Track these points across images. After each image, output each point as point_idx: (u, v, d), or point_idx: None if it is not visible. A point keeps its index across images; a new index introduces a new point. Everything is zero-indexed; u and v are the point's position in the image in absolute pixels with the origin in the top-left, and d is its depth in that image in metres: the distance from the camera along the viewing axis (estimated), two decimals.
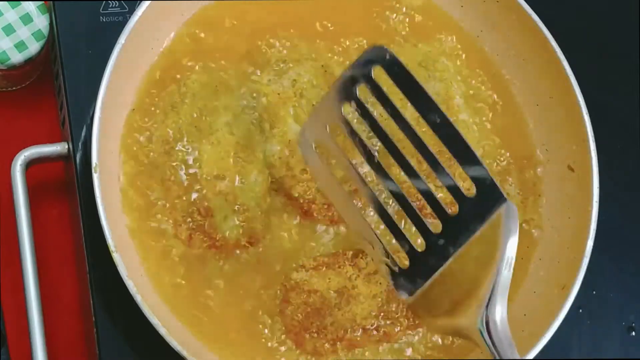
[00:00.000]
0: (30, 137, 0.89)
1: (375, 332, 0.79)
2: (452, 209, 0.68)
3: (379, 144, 0.71)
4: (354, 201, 0.78)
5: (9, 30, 0.87)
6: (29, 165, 0.85)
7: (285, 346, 0.79)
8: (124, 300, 0.74)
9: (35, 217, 0.85)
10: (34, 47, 0.87)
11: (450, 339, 0.82)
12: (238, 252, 0.80)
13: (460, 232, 0.68)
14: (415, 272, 0.72)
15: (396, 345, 0.81)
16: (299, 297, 0.78)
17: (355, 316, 0.78)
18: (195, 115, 0.81)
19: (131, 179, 0.80)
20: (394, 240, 0.73)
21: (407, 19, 0.90)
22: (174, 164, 0.80)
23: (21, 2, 0.88)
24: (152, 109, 0.82)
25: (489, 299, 0.64)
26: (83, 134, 0.83)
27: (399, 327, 0.79)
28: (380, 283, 0.79)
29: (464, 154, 0.67)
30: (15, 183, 0.83)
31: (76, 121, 0.84)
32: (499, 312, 0.64)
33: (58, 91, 0.89)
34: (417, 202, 0.73)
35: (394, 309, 0.79)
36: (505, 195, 0.66)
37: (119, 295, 0.75)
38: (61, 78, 0.85)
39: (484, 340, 0.64)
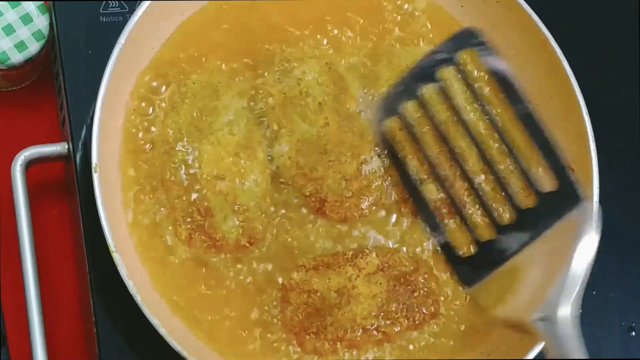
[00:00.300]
0: (30, 137, 0.89)
1: (375, 332, 0.79)
2: (527, 202, 0.67)
3: (459, 129, 0.71)
4: (424, 186, 0.78)
5: (9, 30, 0.87)
6: (29, 165, 0.85)
7: (285, 346, 0.79)
8: (124, 300, 0.74)
9: (35, 217, 0.85)
10: (34, 47, 0.87)
11: (449, 339, 0.82)
12: (238, 252, 0.80)
13: (532, 227, 0.68)
14: (480, 263, 0.71)
15: (396, 346, 0.81)
16: (299, 297, 0.78)
17: (355, 316, 0.78)
18: (195, 115, 0.81)
19: (131, 179, 0.80)
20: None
21: (410, 18, 0.89)
22: (174, 164, 0.80)
23: (21, 2, 0.88)
24: (152, 109, 0.82)
25: (558, 297, 0.63)
26: (83, 134, 0.83)
27: (399, 327, 0.79)
28: (380, 283, 0.80)
29: (548, 148, 0.66)
30: (15, 183, 0.83)
31: (76, 121, 0.84)
32: (566, 311, 0.63)
33: (58, 91, 0.89)
34: (491, 192, 0.72)
35: (393, 309, 0.79)
36: (583, 195, 0.65)
37: (119, 295, 0.75)
38: (61, 78, 0.85)
39: (549, 338, 0.63)
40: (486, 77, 0.68)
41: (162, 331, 0.73)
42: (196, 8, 0.85)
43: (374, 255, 0.80)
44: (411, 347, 0.81)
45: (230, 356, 0.78)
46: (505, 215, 0.68)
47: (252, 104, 0.83)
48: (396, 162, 0.79)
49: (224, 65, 0.84)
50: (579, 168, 0.84)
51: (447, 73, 0.71)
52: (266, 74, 0.84)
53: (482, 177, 0.71)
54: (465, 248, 0.72)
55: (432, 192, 0.78)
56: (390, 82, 0.83)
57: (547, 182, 0.66)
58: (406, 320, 0.80)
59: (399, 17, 0.90)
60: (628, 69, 0.98)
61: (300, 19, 0.87)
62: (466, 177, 0.71)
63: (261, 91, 0.84)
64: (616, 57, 0.98)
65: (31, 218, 0.84)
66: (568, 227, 0.65)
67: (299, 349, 0.79)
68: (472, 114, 0.70)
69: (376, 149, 0.83)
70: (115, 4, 0.88)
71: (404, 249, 0.83)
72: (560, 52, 0.86)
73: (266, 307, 0.80)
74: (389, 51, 0.86)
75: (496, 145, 0.69)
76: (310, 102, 0.83)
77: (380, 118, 0.78)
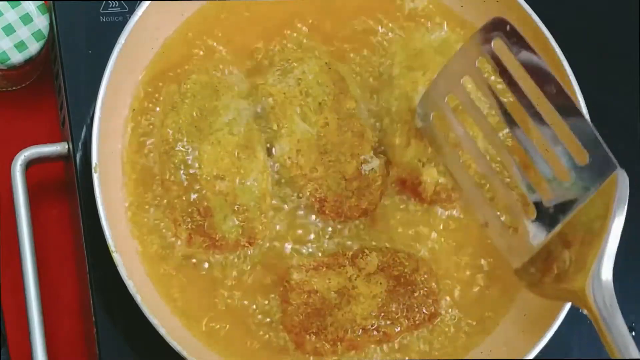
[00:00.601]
0: (30, 137, 0.89)
1: (375, 333, 0.79)
2: (563, 176, 0.71)
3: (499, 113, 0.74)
4: (470, 171, 0.80)
5: (9, 30, 0.87)
6: (29, 165, 0.85)
7: (285, 346, 0.79)
8: (124, 300, 0.74)
9: (35, 217, 0.85)
10: (34, 47, 0.87)
11: (448, 339, 0.82)
12: (238, 252, 0.80)
13: (569, 203, 0.71)
14: (524, 242, 0.74)
15: (396, 345, 0.81)
16: (299, 298, 0.78)
17: (356, 316, 0.78)
18: (195, 115, 0.81)
19: (131, 179, 0.80)
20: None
21: (409, 16, 0.90)
22: (174, 164, 0.80)
23: (21, 2, 0.88)
24: (152, 109, 0.82)
25: (600, 264, 0.67)
26: (83, 134, 0.83)
27: (399, 327, 0.79)
28: (380, 283, 0.80)
29: (580, 125, 0.69)
30: (15, 183, 0.83)
31: (76, 121, 0.84)
32: (608, 276, 0.67)
33: (58, 91, 0.89)
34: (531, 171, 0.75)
35: (394, 309, 0.79)
36: (617, 164, 0.68)
37: (119, 295, 0.75)
38: (61, 78, 0.85)
39: (592, 304, 0.67)
40: (517, 63, 0.70)
41: (162, 331, 0.73)
42: (196, 8, 0.86)
43: (374, 255, 0.80)
44: (411, 346, 0.81)
45: (230, 356, 0.78)
46: (546, 192, 0.71)
47: (252, 104, 0.83)
48: (441, 152, 0.81)
49: (224, 65, 0.84)
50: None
51: (481, 64, 0.74)
52: (266, 74, 0.84)
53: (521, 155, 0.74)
54: (512, 226, 0.75)
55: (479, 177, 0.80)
56: (402, 64, 0.85)
57: (580, 157, 0.69)
58: (406, 320, 0.80)
59: (399, 17, 0.90)
60: (628, 69, 0.98)
61: (299, 19, 0.87)
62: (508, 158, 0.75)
63: (261, 91, 0.84)
64: (616, 57, 0.98)
65: (31, 218, 0.84)
66: (602, 196, 0.69)
67: (298, 349, 0.79)
68: (509, 98, 0.73)
69: (375, 148, 0.84)
70: (115, 4, 0.88)
71: (404, 249, 0.83)
72: (560, 52, 0.86)
73: (266, 308, 0.80)
74: (386, 47, 0.87)
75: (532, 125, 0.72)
76: (310, 102, 0.83)
77: (425, 114, 0.80)
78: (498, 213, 0.77)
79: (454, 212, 0.85)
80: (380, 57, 0.87)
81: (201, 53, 0.85)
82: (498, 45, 0.72)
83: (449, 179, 0.82)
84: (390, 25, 0.89)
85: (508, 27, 0.71)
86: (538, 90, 0.70)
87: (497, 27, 0.72)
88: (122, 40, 0.79)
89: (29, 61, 0.88)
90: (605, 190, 0.69)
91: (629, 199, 0.70)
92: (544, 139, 0.71)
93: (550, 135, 0.71)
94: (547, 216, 0.72)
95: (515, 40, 0.71)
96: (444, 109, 0.78)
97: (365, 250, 0.81)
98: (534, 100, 0.71)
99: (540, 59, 0.70)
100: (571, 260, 0.71)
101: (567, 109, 0.70)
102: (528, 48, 0.70)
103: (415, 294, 0.80)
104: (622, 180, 0.68)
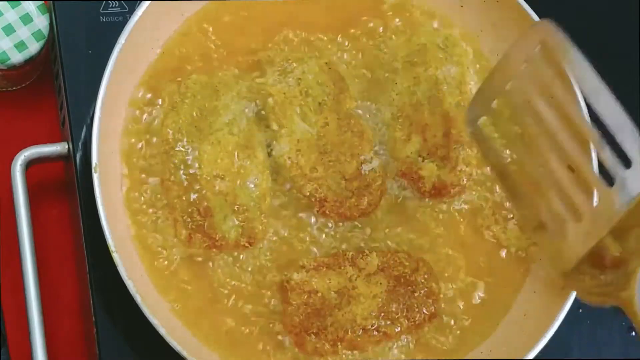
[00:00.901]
0: (30, 137, 0.89)
1: (375, 333, 0.79)
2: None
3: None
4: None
5: (9, 30, 0.87)
6: (29, 165, 0.84)
7: (285, 346, 0.79)
8: (124, 300, 0.74)
9: (35, 217, 0.85)
10: (34, 47, 0.87)
11: (449, 339, 0.82)
12: (238, 252, 0.80)
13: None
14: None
15: (396, 345, 0.81)
16: (299, 298, 0.78)
17: (356, 316, 0.78)
18: (195, 115, 0.81)
19: (131, 179, 0.80)
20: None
21: (408, 15, 0.90)
22: (174, 164, 0.80)
23: (21, 2, 0.88)
24: (152, 109, 0.82)
25: None
26: (83, 134, 0.83)
27: (399, 328, 0.79)
28: (380, 283, 0.80)
29: (630, 136, 0.70)
30: (15, 183, 0.83)
31: (76, 121, 0.84)
32: None
33: (58, 91, 0.89)
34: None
35: (394, 309, 0.79)
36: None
37: (119, 295, 0.75)
38: (61, 78, 0.85)
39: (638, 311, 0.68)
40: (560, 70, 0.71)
41: (162, 331, 0.73)
42: (196, 8, 0.85)
43: (374, 255, 0.80)
44: (411, 346, 0.81)
45: (230, 356, 0.78)
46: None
47: (252, 104, 0.83)
48: (489, 155, 0.81)
49: (224, 65, 0.84)
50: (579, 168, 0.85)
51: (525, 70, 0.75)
52: (266, 74, 0.84)
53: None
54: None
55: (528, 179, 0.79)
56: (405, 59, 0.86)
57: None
58: (406, 321, 0.80)
59: (398, 16, 0.90)
60: (628, 69, 0.98)
61: (299, 19, 0.87)
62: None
63: (261, 91, 0.84)
64: (616, 57, 0.98)
65: (31, 218, 0.83)
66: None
67: (299, 349, 0.79)
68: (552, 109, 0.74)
69: (376, 148, 0.84)
70: (115, 4, 0.88)
71: (404, 249, 0.83)
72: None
73: (266, 308, 0.80)
74: (384, 42, 0.87)
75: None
76: (310, 102, 0.83)
77: (474, 117, 0.80)
78: (559, 207, 0.75)
79: (454, 212, 0.85)
80: (384, 53, 0.87)
81: (201, 53, 0.84)
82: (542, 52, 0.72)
83: (448, 175, 0.82)
84: (392, 22, 0.88)
85: (555, 34, 0.72)
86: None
87: (544, 33, 0.72)
88: (122, 40, 0.79)
89: (29, 61, 0.88)
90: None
91: None
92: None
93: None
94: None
95: (564, 48, 0.72)
96: (494, 113, 0.78)
97: (366, 251, 0.81)
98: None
99: (592, 68, 0.71)
100: (621, 267, 0.72)
101: (619, 124, 0.70)
102: (580, 57, 0.71)
103: (416, 294, 0.80)
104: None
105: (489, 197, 0.85)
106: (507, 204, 0.85)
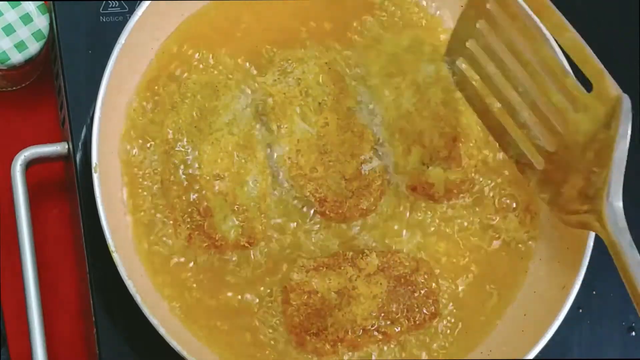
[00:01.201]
0: (30, 137, 0.89)
1: (375, 333, 0.79)
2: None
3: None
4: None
5: (9, 30, 0.87)
6: (29, 165, 0.85)
7: (285, 347, 0.79)
8: (124, 300, 0.74)
9: (35, 217, 0.85)
10: (34, 47, 0.87)
11: (449, 339, 0.82)
12: (238, 252, 0.80)
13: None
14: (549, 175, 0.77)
15: (396, 345, 0.81)
16: (299, 298, 0.78)
17: (356, 317, 0.78)
18: (195, 115, 0.81)
19: (131, 179, 0.80)
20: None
21: (407, 15, 0.90)
22: (174, 164, 0.80)
23: (21, 2, 0.88)
24: (152, 108, 0.82)
25: (612, 191, 0.69)
26: (83, 134, 0.83)
27: (399, 328, 0.79)
28: (380, 283, 0.80)
29: (585, 60, 0.72)
30: (15, 183, 0.83)
31: (76, 121, 0.84)
32: (619, 202, 0.69)
33: (58, 91, 0.89)
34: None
35: (394, 309, 0.79)
36: (617, 91, 0.70)
37: (119, 295, 0.75)
38: (61, 78, 0.85)
39: (607, 226, 0.69)
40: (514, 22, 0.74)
41: (162, 331, 0.73)
42: (196, 8, 0.85)
43: (374, 255, 0.80)
44: (411, 346, 0.81)
45: (230, 356, 0.78)
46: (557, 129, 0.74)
47: (252, 104, 0.83)
48: (471, 98, 0.82)
49: (224, 65, 0.84)
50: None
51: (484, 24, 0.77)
52: (266, 74, 0.84)
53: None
54: (537, 161, 0.77)
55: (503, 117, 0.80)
56: (381, 73, 0.86)
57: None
58: (406, 321, 0.80)
59: (397, 17, 0.90)
60: (628, 69, 0.98)
61: (299, 19, 0.87)
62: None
63: (261, 91, 0.84)
64: (616, 57, 0.98)
65: (31, 218, 0.84)
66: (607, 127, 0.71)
67: (299, 350, 0.79)
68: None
69: (376, 147, 0.84)
70: (115, 4, 0.88)
71: (404, 249, 0.83)
72: (561, 52, 0.85)
73: (266, 308, 0.80)
74: (381, 35, 0.87)
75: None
76: (310, 102, 0.83)
77: (451, 61, 0.81)
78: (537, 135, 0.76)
79: (454, 210, 0.85)
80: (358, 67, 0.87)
81: (201, 53, 0.84)
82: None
83: (456, 174, 0.82)
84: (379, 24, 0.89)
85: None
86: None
87: None
88: (122, 40, 0.79)
89: (29, 61, 0.88)
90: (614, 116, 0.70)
91: (629, 199, 0.70)
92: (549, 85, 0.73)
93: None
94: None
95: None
96: (471, 51, 0.79)
97: (366, 251, 0.81)
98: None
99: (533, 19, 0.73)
100: (590, 191, 0.72)
101: (578, 53, 0.72)
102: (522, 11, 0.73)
103: (416, 294, 0.80)
104: (624, 107, 0.69)
105: (490, 183, 0.85)
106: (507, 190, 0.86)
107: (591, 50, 0.72)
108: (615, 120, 0.69)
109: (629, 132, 0.69)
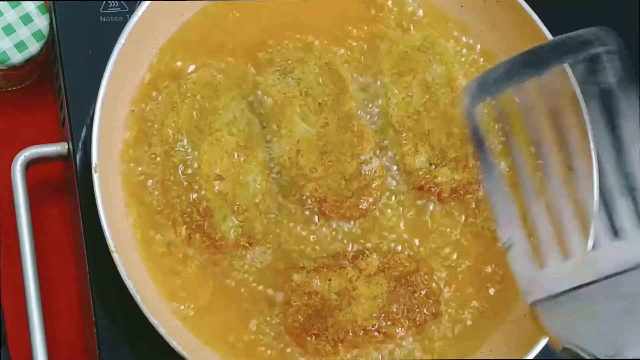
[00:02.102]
0: (30, 137, 0.89)
1: (376, 333, 0.79)
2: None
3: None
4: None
5: (9, 30, 0.87)
6: (29, 165, 0.84)
7: (286, 347, 0.79)
8: (124, 300, 0.74)
9: (35, 217, 0.85)
10: (34, 47, 0.87)
11: (449, 339, 0.82)
12: (237, 252, 0.80)
13: None
14: None
15: (396, 346, 0.81)
16: (299, 299, 0.78)
17: (356, 317, 0.78)
18: (195, 115, 0.81)
19: (131, 179, 0.80)
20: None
21: (408, 16, 0.90)
22: (174, 164, 0.80)
23: (21, 2, 0.88)
24: (152, 109, 0.82)
25: None
26: (83, 134, 0.83)
27: (400, 328, 0.79)
28: (380, 284, 0.80)
29: None
30: (15, 183, 0.83)
31: (76, 121, 0.84)
32: None
33: (58, 91, 0.89)
34: None
35: (394, 309, 0.79)
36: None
37: (119, 295, 0.75)
38: (61, 78, 0.85)
39: None
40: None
41: (162, 331, 0.73)
42: (196, 8, 0.85)
43: (374, 256, 0.80)
44: (411, 346, 0.81)
45: (230, 356, 0.78)
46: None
47: (252, 104, 0.83)
48: (478, 145, 0.76)
49: (223, 66, 0.84)
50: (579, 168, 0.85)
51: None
52: (266, 74, 0.84)
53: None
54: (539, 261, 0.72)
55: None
56: (392, 71, 0.85)
57: None
58: (407, 321, 0.80)
59: (397, 17, 0.90)
60: None
61: (299, 19, 0.87)
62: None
63: (261, 91, 0.84)
64: None
65: (31, 218, 0.83)
66: None
67: (299, 350, 0.79)
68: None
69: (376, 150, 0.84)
70: (115, 4, 0.88)
71: (405, 249, 0.83)
72: None
73: (266, 308, 0.80)
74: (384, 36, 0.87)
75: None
76: (310, 102, 0.83)
77: (474, 101, 0.75)
78: (528, 239, 0.73)
79: (455, 210, 0.85)
80: (371, 64, 0.87)
81: (201, 54, 0.84)
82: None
83: (463, 175, 0.82)
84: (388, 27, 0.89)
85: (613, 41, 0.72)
86: None
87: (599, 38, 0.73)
88: (122, 40, 0.79)
89: (29, 61, 0.88)
90: None
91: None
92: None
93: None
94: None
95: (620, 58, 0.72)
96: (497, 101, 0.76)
97: (366, 251, 0.81)
98: None
99: None
100: None
101: None
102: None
103: (416, 295, 0.80)
104: None
105: None
106: None
107: None
108: None
109: None
